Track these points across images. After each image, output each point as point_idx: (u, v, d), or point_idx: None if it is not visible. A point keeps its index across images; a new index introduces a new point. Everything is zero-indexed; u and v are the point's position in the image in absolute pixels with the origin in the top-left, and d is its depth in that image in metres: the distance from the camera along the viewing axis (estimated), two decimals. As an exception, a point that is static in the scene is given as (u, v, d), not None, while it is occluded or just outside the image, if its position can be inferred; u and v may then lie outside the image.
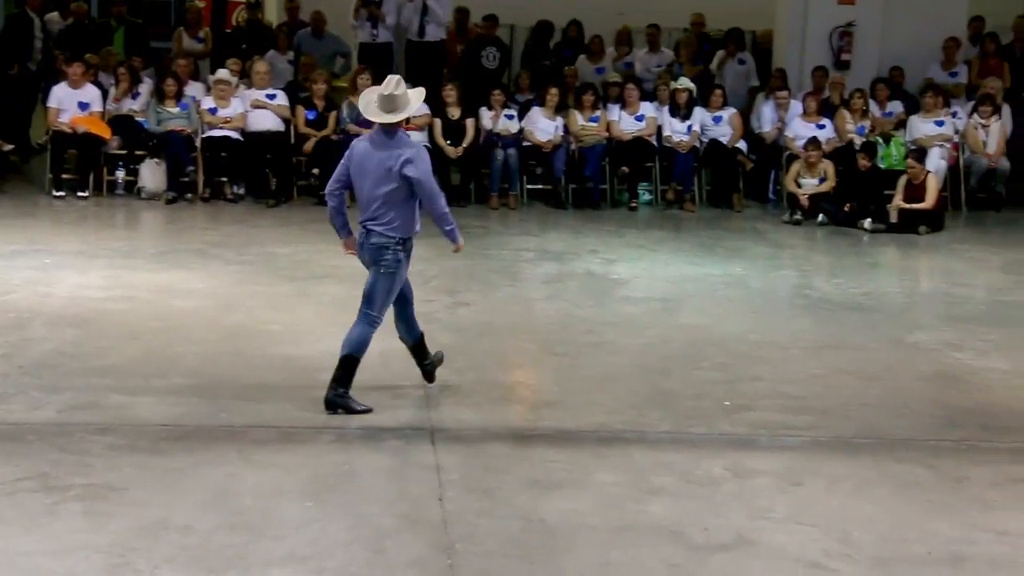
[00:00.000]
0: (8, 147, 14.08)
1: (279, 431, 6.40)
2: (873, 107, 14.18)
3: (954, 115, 14.09)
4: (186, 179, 13.00)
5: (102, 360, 7.43)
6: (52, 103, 13.17)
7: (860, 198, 12.88)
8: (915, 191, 12.67)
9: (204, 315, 8.61)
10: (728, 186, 13.84)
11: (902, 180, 12.78)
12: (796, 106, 14.14)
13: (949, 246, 12.23)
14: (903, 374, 7.77)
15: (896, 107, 14.34)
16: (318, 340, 8.02)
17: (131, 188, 13.16)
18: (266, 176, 13.32)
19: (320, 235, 11.52)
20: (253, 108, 13.38)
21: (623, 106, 13.97)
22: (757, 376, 7.64)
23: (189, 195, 13.01)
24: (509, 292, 9.86)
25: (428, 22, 14.67)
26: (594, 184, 13.64)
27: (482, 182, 13.74)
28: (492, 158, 13.42)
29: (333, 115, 13.46)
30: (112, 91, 13.52)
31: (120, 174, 13.16)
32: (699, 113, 13.94)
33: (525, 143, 13.66)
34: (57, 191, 12.82)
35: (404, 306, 6.91)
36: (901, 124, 14.03)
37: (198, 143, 13.13)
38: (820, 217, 12.90)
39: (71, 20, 15.18)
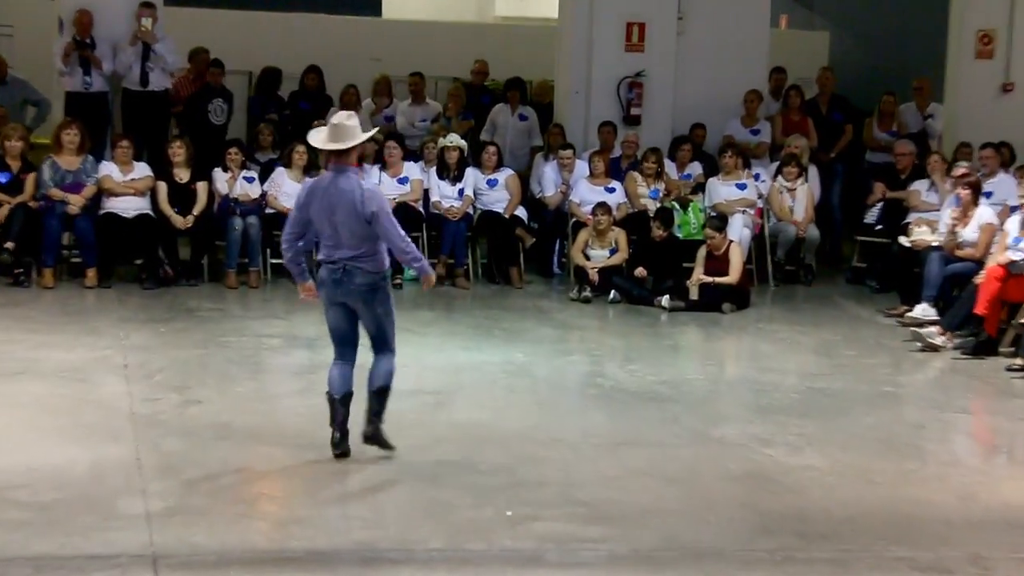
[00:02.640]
0: None
1: (-39, 566, 6.07)
2: (671, 168, 14.65)
3: (756, 177, 14.68)
4: None
5: None
6: None
7: (656, 272, 13.25)
8: (717, 263, 13.11)
9: None
10: (507, 258, 14.03)
11: (702, 251, 13.21)
12: (582, 167, 14.48)
13: (756, 325, 12.69)
14: (708, 474, 7.95)
15: (695, 168, 14.88)
16: (13, 449, 7.72)
17: None
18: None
19: (16, 321, 11.15)
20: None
21: (383, 167, 14.04)
22: (543, 480, 7.69)
23: None
24: (251, 387, 9.71)
25: (151, 68, 14.45)
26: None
27: (217, 256, 13.54)
28: (229, 228, 13.25)
29: (32, 177, 13.05)
30: None
31: None
32: (472, 175, 14.13)
33: (268, 210, 13.56)
34: None
35: (353, 348, 7.82)
36: (699, 187, 14.53)
37: None
38: (612, 294, 13.20)
39: None
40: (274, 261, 13.65)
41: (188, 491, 7.19)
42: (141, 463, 7.58)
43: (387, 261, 7.70)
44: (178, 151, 13.41)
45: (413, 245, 7.79)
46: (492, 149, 14.42)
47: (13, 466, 7.38)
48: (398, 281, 13.62)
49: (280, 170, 13.74)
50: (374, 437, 7.79)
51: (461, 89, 16.13)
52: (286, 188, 13.55)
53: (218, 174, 13.57)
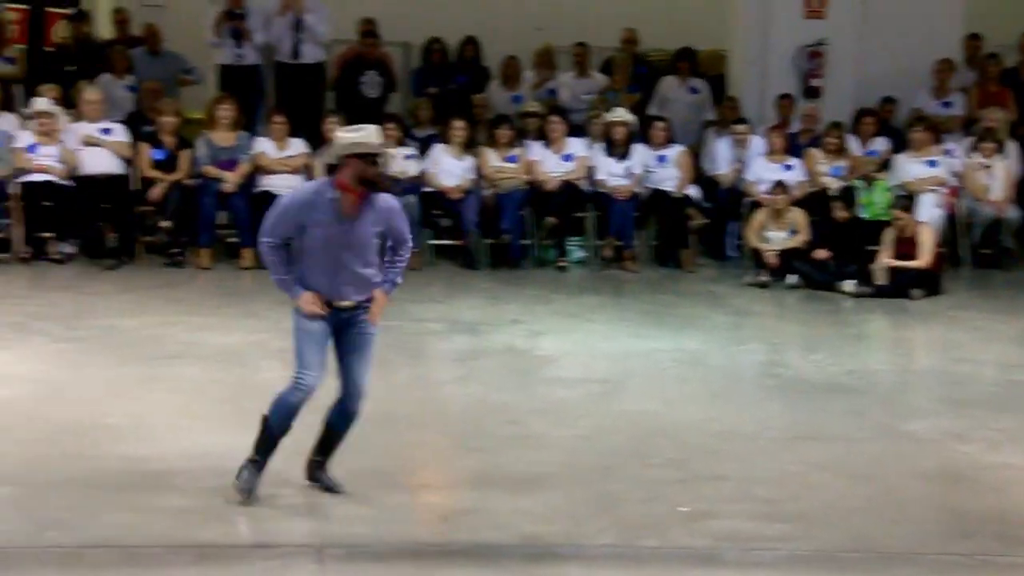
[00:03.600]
0: None
1: (122, 552, 6.34)
2: (854, 144, 14.48)
3: (949, 154, 14.44)
4: (-1, 235, 12.91)
5: None
6: None
7: (838, 255, 13.13)
8: (906, 246, 12.95)
9: (24, 407, 8.49)
10: (677, 240, 14.02)
11: (889, 233, 13.05)
12: (757, 143, 14.39)
13: (948, 313, 12.49)
14: (897, 471, 7.89)
15: (881, 144, 14.67)
16: (172, 435, 7.97)
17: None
18: (102, 231, 13.21)
19: (173, 303, 11.49)
20: (84, 146, 13.30)
21: (546, 143, 14.12)
22: (719, 475, 7.70)
23: (3, 255, 12.87)
24: (411, 373, 9.85)
25: (304, 40, 14.75)
26: (513, 238, 13.74)
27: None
28: (387, 207, 13.44)
29: (186, 154, 13.43)
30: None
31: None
32: (640, 151, 14.13)
33: (427, 188, 13.73)
34: None
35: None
36: (886, 165, 14.34)
37: (13, 190, 13.00)
38: (791, 278, 13.11)
39: None
40: (434, 242, 13.86)
41: (350, 480, 7.35)
42: (304, 452, 7.76)
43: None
44: (332, 127, 13.64)
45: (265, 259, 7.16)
46: (661, 124, 14.39)
47: (173, 452, 7.64)
48: (563, 263, 13.72)
49: (439, 147, 13.90)
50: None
51: (629, 59, 16.11)
52: (446, 166, 13.73)
53: (375, 151, 13.75)
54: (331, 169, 7.00)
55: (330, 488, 7.09)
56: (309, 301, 6.91)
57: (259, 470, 6.93)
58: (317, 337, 6.93)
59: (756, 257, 13.36)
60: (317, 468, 7.14)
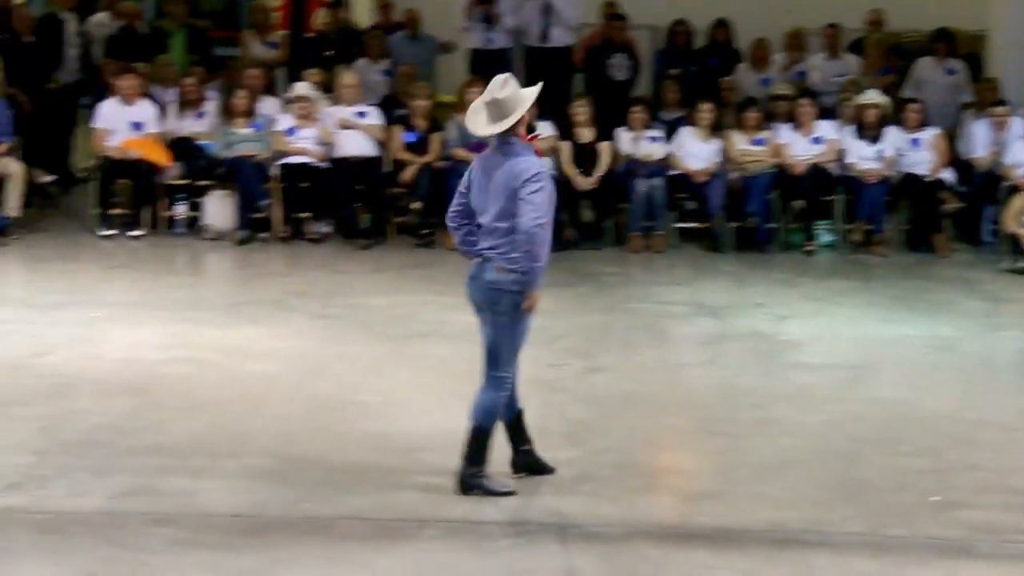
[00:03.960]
0: (46, 177, 14.52)
1: (373, 524, 6.47)
2: None
3: None
4: (260, 215, 13.28)
5: (160, 436, 7.60)
6: (99, 123, 13.55)
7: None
8: None
9: (282, 382, 8.75)
10: (930, 225, 13.69)
11: None
12: (1018, 126, 13.94)
13: None
14: None
15: None
16: (421, 413, 8.11)
17: (193, 225, 13.48)
18: (356, 211, 13.53)
19: (423, 283, 11.70)
20: (340, 129, 13.62)
21: (796, 126, 13.93)
22: (974, 465, 7.51)
23: (263, 234, 13.28)
24: (654, 356, 9.85)
25: (552, 24, 14.84)
26: (760, 222, 13.60)
27: (620, 219, 13.79)
28: (632, 190, 13.47)
29: (437, 137, 13.65)
30: (171, 108, 13.88)
31: (181, 209, 13.49)
32: (893, 134, 13.83)
33: (673, 172, 13.69)
34: (105, 229, 13.18)
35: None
36: None
37: (274, 171, 13.39)
38: (1051, 266, 12.71)
39: (121, 24, 15.59)
40: (679, 225, 13.81)
41: (594, 460, 7.40)
42: (547, 430, 7.83)
43: None
44: (580, 110, 13.71)
45: (545, 245, 6.65)
46: (915, 106, 14.05)
47: (422, 429, 7.79)
48: (810, 247, 13.52)
49: (686, 129, 13.83)
50: (467, 484, 6.76)
51: (883, 40, 15.75)
52: (692, 149, 13.66)
53: (621, 134, 13.79)
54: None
55: (547, 469, 7.04)
56: (538, 299, 6.75)
57: (487, 476, 6.78)
58: None
59: (1014, 243, 12.96)
60: (529, 456, 7.04)
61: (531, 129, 6.83)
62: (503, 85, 6.74)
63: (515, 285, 6.62)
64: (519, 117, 6.68)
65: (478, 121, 6.76)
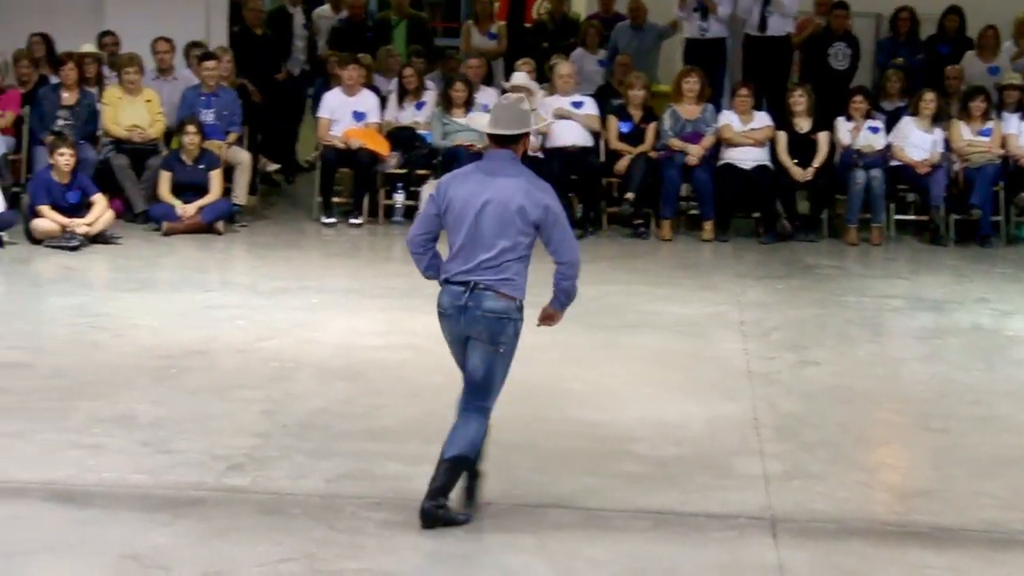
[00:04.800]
0: (272, 166, 14.92)
1: (583, 513, 6.48)
2: None
3: None
4: (475, 204, 13.40)
5: (376, 421, 7.74)
6: (324, 113, 13.84)
7: None
8: None
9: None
10: None
11: None
12: None
13: None
14: None
15: None
16: (630, 403, 8.11)
17: (411, 214, 13.67)
18: (570, 201, 13.55)
19: (635, 273, 11.69)
20: (556, 119, 13.66)
21: (1024, 116, 13.54)
22: None
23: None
24: (871, 350, 9.68)
25: (771, 13, 14.66)
26: (984, 214, 13.23)
27: (836, 211, 13.56)
28: (851, 181, 13.23)
29: (652, 127, 13.61)
30: (391, 98, 14.10)
31: (399, 197, 13.70)
32: None
33: (893, 162, 13.41)
34: (326, 217, 13.47)
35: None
36: None
37: (489, 161, 13.48)
38: None
39: (345, 15, 15.92)
40: (899, 217, 13.54)
41: (806, 454, 7.31)
42: (758, 423, 7.77)
43: (525, 291, 6.25)
44: (799, 99, 13.52)
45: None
46: None
47: (632, 419, 7.79)
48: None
49: (907, 119, 13.54)
50: (437, 518, 6.18)
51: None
52: (913, 139, 13.38)
53: (841, 123, 13.56)
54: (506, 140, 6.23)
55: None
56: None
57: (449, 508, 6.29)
58: None
59: None
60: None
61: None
62: (521, 101, 6.32)
63: (518, 313, 6.21)
64: (527, 132, 6.23)
65: (483, 120, 6.40)
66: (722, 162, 13.37)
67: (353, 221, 13.42)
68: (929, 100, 13.41)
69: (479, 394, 6.25)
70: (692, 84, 13.59)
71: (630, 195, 13.30)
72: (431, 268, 6.32)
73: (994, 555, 6.19)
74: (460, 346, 6.27)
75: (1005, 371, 9.12)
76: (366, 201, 13.59)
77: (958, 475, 7.11)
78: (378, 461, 7.05)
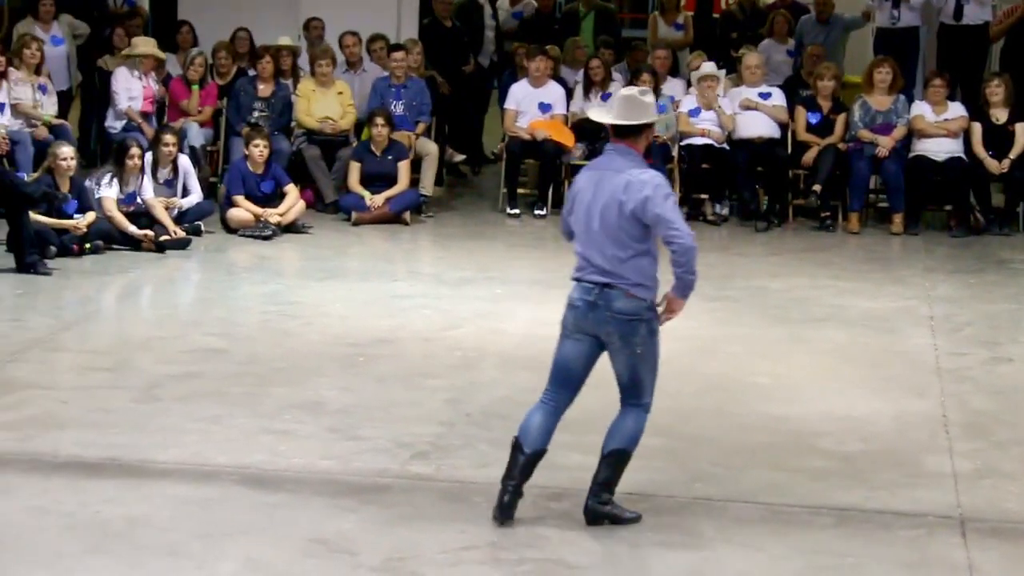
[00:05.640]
0: (459, 157, 15.06)
1: (766, 508, 6.44)
2: None
3: None
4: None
5: (559, 410, 7.74)
6: (510, 104, 13.92)
7: None
8: None
9: (678, 362, 8.70)
10: None
11: None
12: None
13: None
14: None
15: None
16: (816, 397, 8.02)
17: (594, 206, 13.67)
18: (756, 193, 13.44)
19: (821, 267, 11.54)
20: (743, 109, 13.54)
21: None
22: None
23: (686, 217, 13.35)
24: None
25: (967, 1, 14.32)
26: None
27: (1034, 204, 13.21)
28: (1048, 173, 12.87)
29: (842, 118, 13.40)
30: (577, 90, 14.12)
31: (581, 189, 13.69)
32: None
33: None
34: (511, 208, 13.55)
35: (571, 396, 6.30)
36: None
37: (675, 152, 13.44)
38: None
39: (535, 7, 15.99)
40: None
41: (998, 453, 7.15)
42: (947, 420, 7.62)
43: (654, 288, 6.07)
44: (995, 90, 13.17)
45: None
46: None
47: (817, 414, 7.69)
48: None
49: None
50: (604, 516, 6.13)
51: None
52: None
53: (1039, 114, 13.20)
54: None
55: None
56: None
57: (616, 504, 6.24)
58: None
59: None
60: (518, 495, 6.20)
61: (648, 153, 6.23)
62: (644, 93, 6.12)
63: (650, 313, 6.06)
64: (647, 124, 6.06)
65: (601, 112, 6.30)
66: (914, 154, 13.11)
67: (538, 212, 13.47)
68: None
69: (631, 394, 6.18)
70: (883, 74, 13.34)
71: (817, 187, 13.11)
72: None
73: None
74: (575, 343, 6.15)
75: None
76: (551, 192, 13.63)
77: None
78: (560, 451, 7.02)
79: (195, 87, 13.66)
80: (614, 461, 6.15)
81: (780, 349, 9.10)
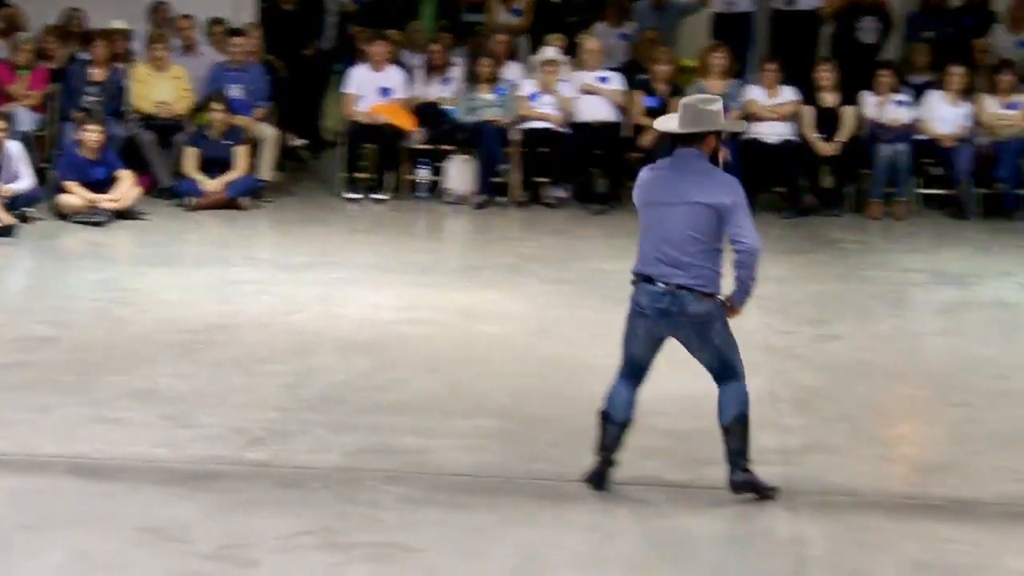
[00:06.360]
0: (298, 141, 14.94)
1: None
2: None
3: None
4: (499, 179, 13.40)
5: (396, 395, 7.76)
6: (350, 88, 13.85)
7: None
8: None
9: (516, 344, 8.84)
10: None
11: None
12: None
13: None
14: None
15: None
16: (651, 378, 8.05)
17: (435, 190, 13.69)
18: (593, 176, 13.55)
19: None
20: (582, 94, 13.63)
21: None
22: None
23: (502, 199, 13.40)
24: (892, 324, 9.66)
25: (798, -15, 14.62)
26: (1009, 188, 13.16)
27: (861, 185, 13.50)
28: (875, 155, 13.17)
29: (678, 102, 13.51)
30: (418, 74, 14.09)
31: (423, 173, 13.71)
32: None
33: (919, 136, 13.34)
34: (351, 193, 13.48)
35: (647, 373, 6.49)
36: None
37: (514, 136, 13.49)
38: None
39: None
40: (923, 191, 13.49)
41: (825, 428, 7.30)
42: (777, 396, 7.76)
43: (720, 284, 6.20)
44: (825, 74, 13.45)
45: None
46: None
47: (652, 394, 7.71)
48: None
49: (935, 93, 13.47)
50: (746, 484, 6.28)
51: None
52: (941, 113, 13.32)
53: (867, 98, 13.49)
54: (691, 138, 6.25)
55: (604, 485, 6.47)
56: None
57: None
58: None
59: None
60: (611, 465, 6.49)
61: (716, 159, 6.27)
62: (709, 101, 6.33)
63: (719, 310, 6.19)
64: (714, 130, 6.21)
65: (671, 122, 6.36)
66: (747, 136, 13.33)
67: (377, 197, 13.43)
68: (956, 74, 13.34)
69: (724, 374, 6.30)
70: (718, 59, 13.53)
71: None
72: None
73: (1012, 528, 6.19)
74: (648, 346, 6.34)
75: (1028, 345, 9.10)
76: (391, 177, 13.59)
77: (977, 449, 7.10)
78: (398, 435, 7.08)
79: (23, 71, 13.34)
80: (737, 428, 6.28)
81: (616, 331, 9.11)
